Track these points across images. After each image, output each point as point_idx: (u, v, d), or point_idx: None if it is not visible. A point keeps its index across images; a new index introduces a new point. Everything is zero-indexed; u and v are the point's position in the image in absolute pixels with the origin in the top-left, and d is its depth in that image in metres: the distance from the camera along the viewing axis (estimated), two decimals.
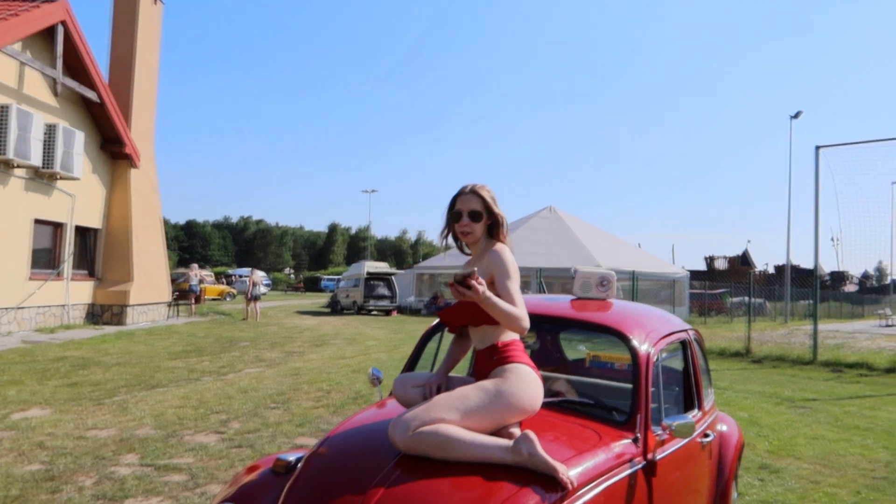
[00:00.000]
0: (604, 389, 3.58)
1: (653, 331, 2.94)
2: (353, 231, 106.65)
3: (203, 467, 4.88)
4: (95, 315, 16.67)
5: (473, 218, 2.46)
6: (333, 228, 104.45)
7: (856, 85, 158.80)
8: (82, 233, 16.45)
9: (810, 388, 10.33)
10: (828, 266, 55.91)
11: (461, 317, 2.42)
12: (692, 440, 2.93)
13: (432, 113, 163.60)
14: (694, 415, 3.09)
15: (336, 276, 53.23)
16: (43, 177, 14.54)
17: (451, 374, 2.55)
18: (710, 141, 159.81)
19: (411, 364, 3.18)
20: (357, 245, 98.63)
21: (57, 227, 15.47)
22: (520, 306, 2.27)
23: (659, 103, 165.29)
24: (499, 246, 2.43)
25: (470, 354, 2.87)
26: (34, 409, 6.78)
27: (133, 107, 17.79)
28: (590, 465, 2.22)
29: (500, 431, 2.20)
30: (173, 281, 21.52)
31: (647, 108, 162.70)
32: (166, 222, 20.34)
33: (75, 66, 15.22)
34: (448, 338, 3.26)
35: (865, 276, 70.80)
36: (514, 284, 2.32)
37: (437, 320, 3.34)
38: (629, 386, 3.54)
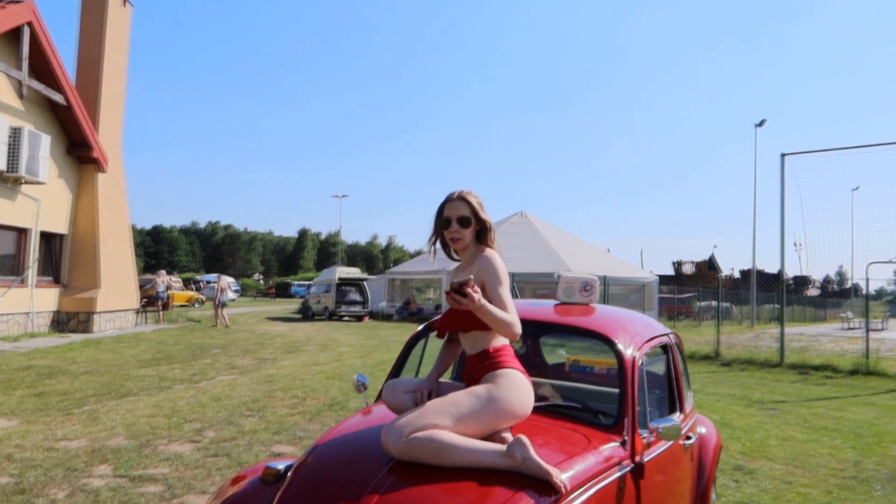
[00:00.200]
0: (586, 393, 3.61)
1: (637, 335, 2.98)
2: (323, 236, 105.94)
3: (179, 477, 4.80)
4: (61, 323, 16.27)
5: (462, 224, 2.47)
6: (303, 234, 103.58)
7: (816, 95, 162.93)
8: (48, 238, 16.06)
9: (779, 391, 10.55)
10: (791, 270, 57.16)
11: (455, 324, 2.43)
12: (675, 443, 2.97)
13: (402, 118, 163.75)
14: (677, 417, 3.14)
15: (306, 282, 52.79)
16: (7, 181, 14.18)
17: (441, 379, 2.56)
18: (677, 148, 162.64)
19: (397, 370, 3.18)
20: (327, 250, 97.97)
21: (21, 232, 15.08)
22: (512, 312, 2.28)
23: (625, 111, 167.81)
24: (489, 252, 2.44)
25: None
26: (0, 420, 6.59)
27: (101, 110, 17.43)
28: (581, 468, 2.24)
29: (492, 436, 2.21)
30: (140, 287, 21.13)
31: (613, 115, 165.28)
32: (132, 227, 19.95)
33: (42, 68, 14.89)
34: (432, 342, 3.27)
35: (827, 281, 72.57)
36: (506, 290, 2.34)
37: (421, 326, 3.35)
38: (611, 390, 3.59)
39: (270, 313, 31.10)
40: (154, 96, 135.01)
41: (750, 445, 6.49)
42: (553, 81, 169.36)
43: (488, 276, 2.35)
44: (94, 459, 5.21)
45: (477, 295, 2.15)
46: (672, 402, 3.34)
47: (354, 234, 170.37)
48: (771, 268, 47.84)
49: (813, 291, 61.65)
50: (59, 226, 16.41)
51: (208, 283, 44.85)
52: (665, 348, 3.38)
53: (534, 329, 3.38)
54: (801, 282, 57.33)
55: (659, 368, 3.48)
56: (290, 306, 38.30)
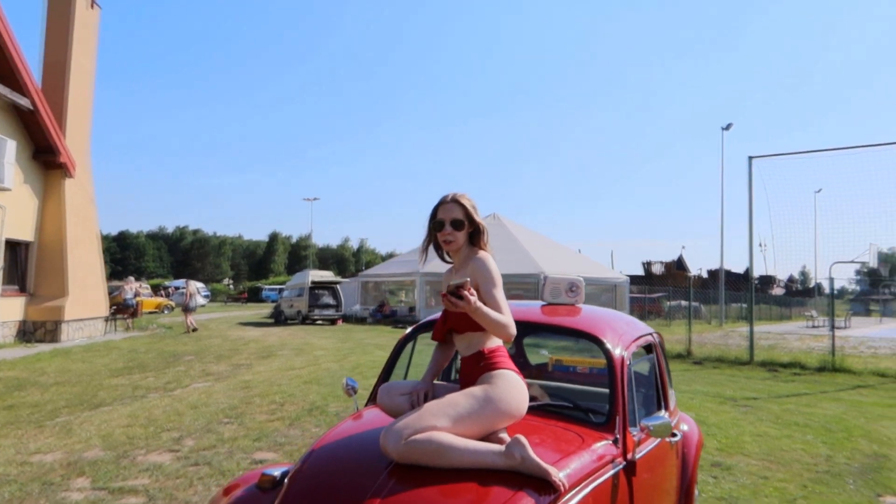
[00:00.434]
0: (572, 393, 3.65)
1: (624, 334, 3.03)
2: (294, 240, 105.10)
3: (161, 488, 4.72)
4: (27, 332, 15.88)
5: (456, 226, 2.49)
6: (274, 237, 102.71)
7: (778, 98, 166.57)
8: (13, 246, 15.65)
9: (750, 388, 10.76)
10: (756, 270, 58.23)
11: (450, 326, 2.44)
12: (663, 440, 3.02)
13: (372, 120, 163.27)
14: (664, 415, 3.19)
15: (278, 286, 52.28)
16: None
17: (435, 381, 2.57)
18: (645, 151, 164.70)
19: (387, 373, 3.18)
20: (298, 254, 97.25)
21: None
22: (506, 313, 2.31)
23: (595, 114, 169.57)
24: (482, 254, 2.47)
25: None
26: None
27: (68, 114, 17.07)
28: (576, 466, 2.27)
29: (489, 437, 2.24)
30: (109, 294, 20.71)
31: (582, 118, 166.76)
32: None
33: (6, 72, 14.51)
34: (420, 345, 3.29)
35: (791, 280, 74.17)
36: (500, 292, 2.37)
37: (410, 329, 3.36)
38: (596, 389, 3.65)
39: (242, 318, 30.71)
40: (115, 98, 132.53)
41: (726, 442, 6.62)
42: (521, 84, 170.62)
43: (482, 278, 2.38)
44: (71, 472, 5.10)
45: (473, 297, 2.18)
46: (658, 400, 3.40)
47: (326, 237, 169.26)
48: (738, 268, 48.82)
49: (778, 290, 62.89)
50: (25, 233, 16.02)
51: (177, 289, 44.14)
52: (649, 347, 3.44)
53: (522, 329, 3.41)
54: (766, 281, 58.43)
55: (645, 367, 3.55)
56: (262, 311, 37.89)
